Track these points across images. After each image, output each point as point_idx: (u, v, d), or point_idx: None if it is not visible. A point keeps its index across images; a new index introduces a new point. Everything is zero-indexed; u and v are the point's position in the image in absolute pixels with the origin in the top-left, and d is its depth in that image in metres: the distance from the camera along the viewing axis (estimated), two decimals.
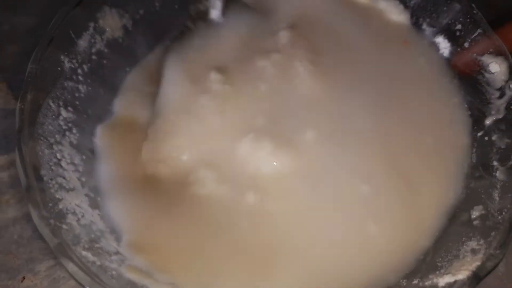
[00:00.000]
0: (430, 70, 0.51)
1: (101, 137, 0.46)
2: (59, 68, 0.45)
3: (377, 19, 0.54)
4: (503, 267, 0.44)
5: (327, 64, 0.50)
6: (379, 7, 0.55)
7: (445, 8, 0.50)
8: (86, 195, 0.42)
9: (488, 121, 0.46)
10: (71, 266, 0.34)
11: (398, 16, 0.54)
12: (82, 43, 0.47)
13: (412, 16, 0.54)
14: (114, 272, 0.37)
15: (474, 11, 0.48)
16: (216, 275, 0.39)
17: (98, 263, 0.36)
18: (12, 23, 0.57)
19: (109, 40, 0.49)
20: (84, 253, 0.36)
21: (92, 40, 0.48)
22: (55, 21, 0.44)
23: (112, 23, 0.49)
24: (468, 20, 0.48)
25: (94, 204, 0.42)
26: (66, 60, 0.45)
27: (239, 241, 0.41)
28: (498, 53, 0.46)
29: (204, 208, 0.42)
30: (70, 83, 0.45)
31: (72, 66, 0.46)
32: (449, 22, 0.50)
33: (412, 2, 0.53)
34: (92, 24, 0.48)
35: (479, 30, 0.47)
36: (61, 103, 0.44)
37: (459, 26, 0.49)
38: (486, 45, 0.46)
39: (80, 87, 0.46)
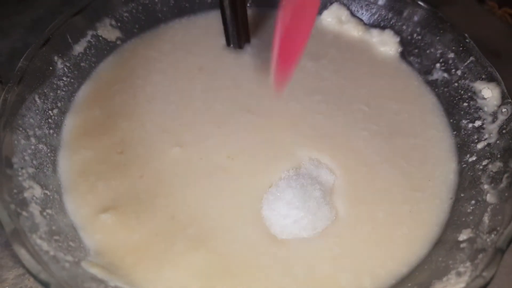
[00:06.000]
0: (419, 97, 0.51)
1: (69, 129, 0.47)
2: (50, 68, 0.46)
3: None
4: None
5: None
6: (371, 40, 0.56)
7: (438, 37, 0.51)
8: (55, 189, 0.41)
9: (480, 146, 0.44)
10: (22, 253, 0.33)
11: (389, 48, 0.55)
12: (78, 48, 0.49)
13: (404, 46, 0.54)
14: (67, 264, 0.35)
15: (467, 40, 0.48)
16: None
17: (52, 253, 0.35)
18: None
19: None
20: (39, 241, 0.35)
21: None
22: (54, 24, 0.46)
23: (108, 34, 0.52)
24: (461, 48, 0.48)
25: (60, 199, 0.41)
26: (59, 62, 0.47)
27: None
28: (490, 79, 0.45)
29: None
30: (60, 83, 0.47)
31: (65, 68, 0.47)
32: (442, 51, 0.50)
33: (405, 33, 0.54)
34: (90, 32, 0.50)
35: (471, 58, 0.47)
36: (47, 100, 0.45)
37: (451, 55, 0.49)
38: None
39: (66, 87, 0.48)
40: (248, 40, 0.55)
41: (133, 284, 0.37)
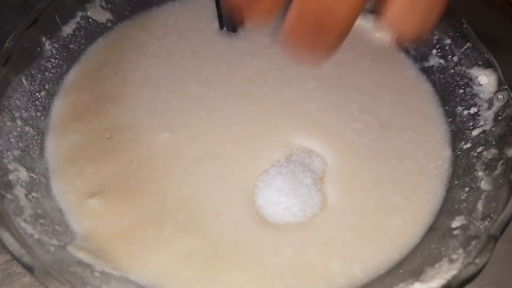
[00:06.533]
0: (415, 85, 0.50)
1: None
2: (38, 49, 0.45)
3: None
4: None
5: None
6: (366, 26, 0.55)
7: None
8: (41, 173, 0.40)
9: (475, 132, 0.43)
10: (6, 236, 0.32)
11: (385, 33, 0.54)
12: (67, 29, 0.48)
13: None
14: (52, 248, 0.34)
15: (464, 26, 0.47)
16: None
17: (37, 236, 0.34)
18: None
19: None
20: (23, 224, 0.34)
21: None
22: (42, 3, 0.45)
23: (98, 15, 0.50)
24: (458, 34, 0.48)
25: (47, 183, 0.40)
26: (47, 43, 0.46)
27: None
28: (487, 65, 0.44)
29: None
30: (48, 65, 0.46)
31: (53, 49, 0.46)
32: (439, 37, 0.49)
33: None
34: (79, 13, 0.49)
35: (468, 44, 0.46)
36: (34, 82, 0.44)
37: (448, 41, 0.49)
38: None
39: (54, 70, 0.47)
40: (242, 24, 0.54)
41: (120, 269, 0.37)
